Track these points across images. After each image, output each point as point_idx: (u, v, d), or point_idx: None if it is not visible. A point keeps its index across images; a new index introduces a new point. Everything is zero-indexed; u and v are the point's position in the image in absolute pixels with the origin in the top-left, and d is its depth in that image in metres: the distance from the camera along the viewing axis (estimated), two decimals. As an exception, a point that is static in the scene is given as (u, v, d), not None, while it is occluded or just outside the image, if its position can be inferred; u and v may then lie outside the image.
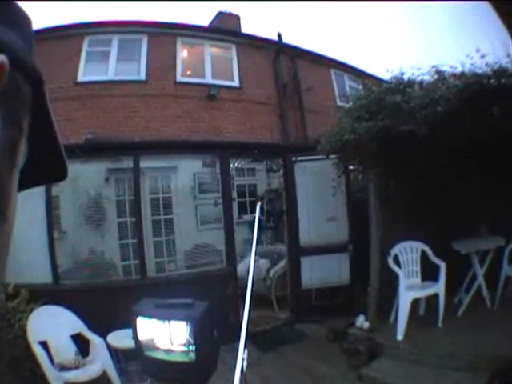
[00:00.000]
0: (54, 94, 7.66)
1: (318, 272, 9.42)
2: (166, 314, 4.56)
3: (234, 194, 12.65)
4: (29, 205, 7.17)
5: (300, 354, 8.21)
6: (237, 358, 2.47)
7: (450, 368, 5.98)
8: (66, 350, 6.78)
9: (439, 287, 6.98)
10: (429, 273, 7.42)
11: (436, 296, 7.01)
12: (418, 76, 7.15)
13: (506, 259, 7.10)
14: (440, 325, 6.98)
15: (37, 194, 7.38)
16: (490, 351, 5.73)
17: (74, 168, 7.80)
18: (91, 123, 8.31)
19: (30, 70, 0.63)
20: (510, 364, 5.26)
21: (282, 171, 10.16)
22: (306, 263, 9.51)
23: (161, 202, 9.35)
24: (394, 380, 6.36)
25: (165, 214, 9.37)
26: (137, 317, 4.62)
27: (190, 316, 4.40)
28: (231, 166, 10.68)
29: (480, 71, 6.45)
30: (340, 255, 9.21)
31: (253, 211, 13.86)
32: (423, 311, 7.57)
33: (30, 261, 7.30)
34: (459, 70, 6.72)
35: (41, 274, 7.59)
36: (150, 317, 4.62)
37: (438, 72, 6.92)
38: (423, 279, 7.56)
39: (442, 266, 7.07)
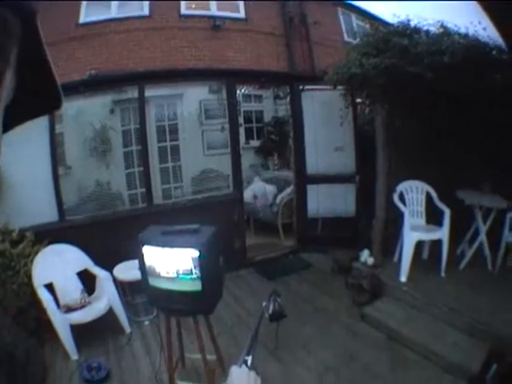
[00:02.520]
0: (55, 37, 7.51)
1: (324, 201, 9.46)
2: (171, 241, 4.51)
3: (241, 120, 12.59)
4: (32, 145, 7.16)
5: (304, 284, 8.36)
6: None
7: (450, 324, 6.05)
8: (72, 290, 6.87)
9: (443, 233, 6.94)
10: (432, 219, 7.41)
11: (439, 242, 6.99)
12: (424, 26, 7.05)
13: (508, 226, 7.02)
14: (443, 274, 7.03)
15: (39, 132, 7.35)
16: (490, 319, 5.73)
17: (78, 104, 7.89)
18: (94, 60, 8.14)
19: (19, 3, 0.61)
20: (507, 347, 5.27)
21: (288, 99, 10.05)
22: (313, 191, 9.53)
23: (167, 129, 9.32)
24: (396, 325, 6.43)
25: (171, 141, 9.35)
26: (142, 245, 4.55)
27: (197, 242, 4.36)
28: (238, 92, 10.59)
29: (483, 40, 6.56)
30: (347, 186, 9.22)
31: (259, 137, 13.88)
32: (426, 256, 7.62)
33: (35, 202, 7.34)
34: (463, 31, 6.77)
35: (46, 214, 7.58)
36: (156, 245, 4.56)
37: (444, 27, 6.90)
38: (427, 223, 7.54)
39: (447, 212, 7.02)
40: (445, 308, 6.20)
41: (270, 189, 11.34)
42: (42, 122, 7.23)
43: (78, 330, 6.44)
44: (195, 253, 4.31)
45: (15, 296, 6.42)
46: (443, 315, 6.19)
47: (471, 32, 6.74)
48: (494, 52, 6.56)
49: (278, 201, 10.72)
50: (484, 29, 6.56)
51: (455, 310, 6.08)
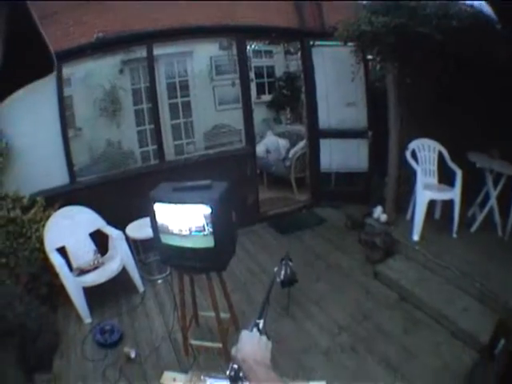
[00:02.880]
0: (60, 5, 7.41)
1: (337, 156, 9.41)
2: (183, 197, 4.48)
3: (252, 75, 12.41)
4: (39, 111, 7.20)
5: (318, 239, 8.37)
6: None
7: (461, 288, 6.04)
8: (85, 252, 6.89)
9: (455, 193, 6.87)
10: (444, 180, 7.34)
11: (451, 202, 6.92)
12: None
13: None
14: (454, 235, 6.97)
15: (47, 97, 7.28)
16: (500, 288, 5.67)
17: (86, 66, 7.86)
18: (101, 23, 8.01)
19: None
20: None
21: (299, 54, 9.90)
22: (326, 146, 9.47)
23: (177, 85, 9.27)
24: (408, 284, 6.45)
25: (182, 97, 9.29)
26: (154, 203, 4.51)
27: (208, 198, 4.34)
28: (248, 47, 10.52)
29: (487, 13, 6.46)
30: (359, 141, 9.11)
31: (271, 92, 13.80)
32: (439, 216, 7.54)
33: (45, 167, 7.30)
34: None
35: (57, 177, 7.56)
36: (168, 201, 4.55)
37: None
38: (439, 183, 7.47)
39: (459, 173, 6.95)
40: (456, 271, 6.17)
41: (283, 143, 11.32)
42: (48, 87, 7.21)
43: (91, 293, 6.50)
44: (207, 209, 4.29)
45: (27, 263, 6.46)
46: (454, 278, 6.17)
47: (476, 4, 6.63)
48: (499, 26, 6.45)
49: (290, 155, 10.71)
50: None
51: (466, 275, 6.05)
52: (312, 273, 7.20)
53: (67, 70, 7.49)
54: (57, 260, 6.20)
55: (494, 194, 6.94)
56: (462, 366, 4.93)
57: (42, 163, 7.13)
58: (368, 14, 6.80)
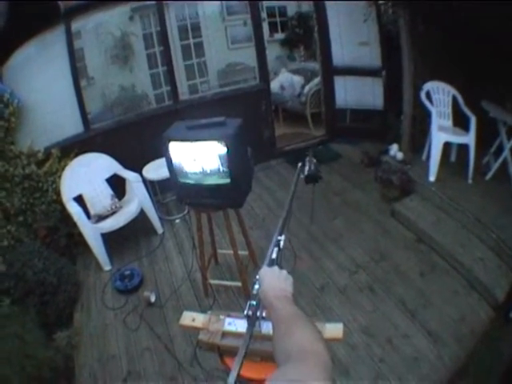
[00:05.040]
0: None
1: (351, 93, 9.40)
2: (197, 134, 4.44)
3: (264, 15, 12.47)
4: (51, 65, 7.22)
5: (334, 175, 8.40)
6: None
7: (477, 236, 6.00)
8: (102, 197, 6.96)
9: (470, 139, 6.79)
10: (458, 126, 7.24)
11: (466, 147, 6.84)
12: None
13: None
14: (470, 181, 6.92)
15: (58, 54, 7.29)
16: None
17: (95, 18, 7.81)
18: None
19: None
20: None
21: (310, -5, 9.78)
22: (340, 83, 9.48)
23: (189, 27, 9.15)
24: (425, 226, 6.44)
25: (194, 38, 9.20)
26: (168, 142, 4.48)
27: (223, 134, 4.29)
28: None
29: None
30: (373, 79, 9.03)
31: (284, 30, 13.77)
32: (454, 159, 7.51)
33: (59, 119, 7.31)
34: None
35: (70, 127, 7.57)
36: (182, 139, 4.50)
37: None
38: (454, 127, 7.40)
39: (473, 118, 6.85)
40: (472, 217, 6.15)
41: (297, 79, 11.40)
42: (58, 43, 7.23)
43: (110, 239, 6.62)
44: (222, 145, 4.25)
45: (44, 217, 6.55)
46: (470, 224, 6.15)
47: None
48: None
49: (305, 91, 10.75)
50: None
51: (482, 223, 6.01)
52: (329, 210, 7.27)
53: (77, 24, 7.47)
54: (74, 208, 6.25)
55: (507, 146, 6.83)
56: (479, 321, 4.94)
57: (55, 116, 7.16)
58: None
